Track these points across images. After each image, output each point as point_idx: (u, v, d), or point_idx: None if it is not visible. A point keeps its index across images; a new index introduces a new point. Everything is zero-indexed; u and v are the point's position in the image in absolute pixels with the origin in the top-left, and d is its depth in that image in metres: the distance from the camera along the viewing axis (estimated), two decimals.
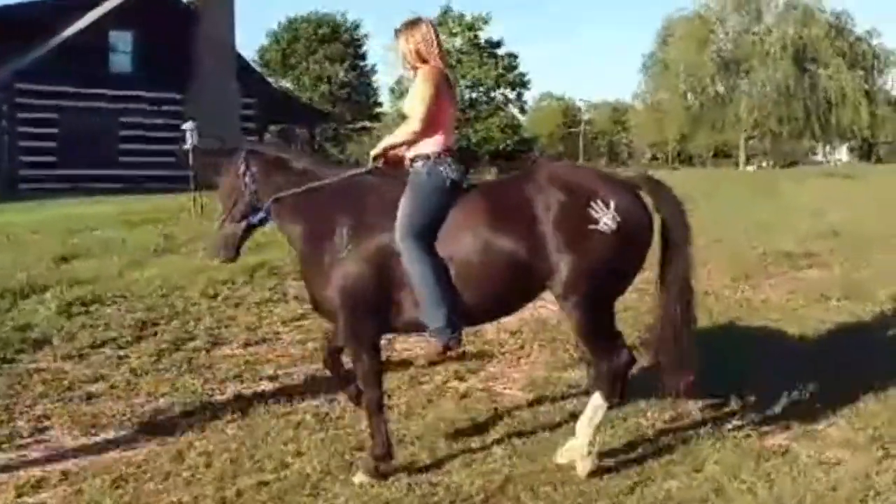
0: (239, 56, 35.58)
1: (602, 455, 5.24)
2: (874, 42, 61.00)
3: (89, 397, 6.65)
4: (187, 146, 16.78)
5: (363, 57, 67.83)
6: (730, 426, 5.74)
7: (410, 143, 5.17)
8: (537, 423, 5.92)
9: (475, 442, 5.60)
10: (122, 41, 31.78)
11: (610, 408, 5.20)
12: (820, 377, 6.47)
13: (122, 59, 31.80)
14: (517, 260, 4.88)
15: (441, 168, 5.07)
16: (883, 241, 13.98)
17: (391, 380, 6.97)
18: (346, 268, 4.98)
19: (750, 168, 59.61)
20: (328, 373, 5.75)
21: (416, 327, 5.15)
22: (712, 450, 5.34)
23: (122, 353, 7.71)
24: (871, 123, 59.81)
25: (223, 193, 5.44)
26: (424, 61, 5.20)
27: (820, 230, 14.85)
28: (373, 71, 68.83)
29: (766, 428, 5.59)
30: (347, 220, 5.05)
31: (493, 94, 63.12)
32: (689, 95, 63.06)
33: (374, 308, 5.03)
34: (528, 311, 7.66)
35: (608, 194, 4.89)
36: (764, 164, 65.94)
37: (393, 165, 5.29)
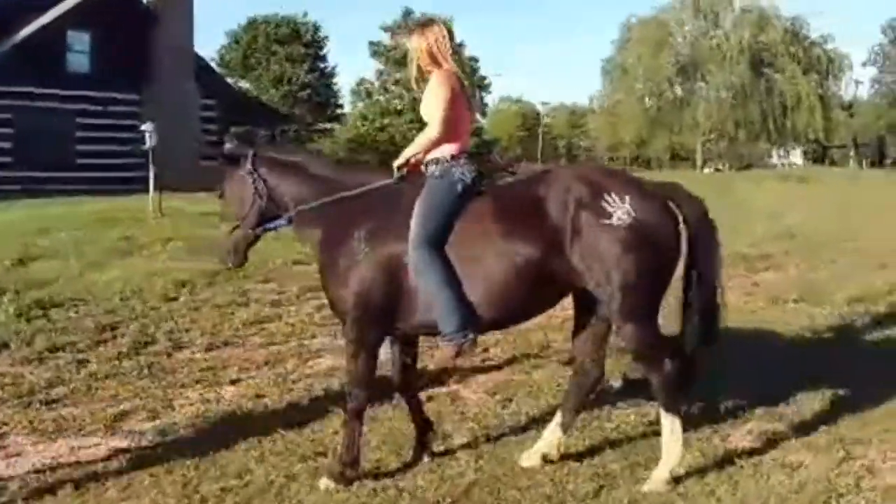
0: (198, 57, 35.31)
1: (567, 458, 5.29)
2: (828, 47, 61.90)
3: (48, 402, 6.55)
4: (146, 147, 16.64)
5: (324, 58, 67.52)
6: (693, 429, 5.80)
7: (430, 149, 5.12)
8: (502, 427, 5.94)
9: (440, 446, 5.60)
10: (79, 41, 31.31)
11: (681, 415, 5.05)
12: (780, 379, 6.56)
13: (79, 59, 31.34)
14: (534, 261, 4.82)
15: (455, 171, 5.04)
16: (838, 244, 14.24)
17: None
18: (362, 272, 4.97)
19: (707, 170, 60.21)
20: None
21: (426, 331, 5.13)
22: None
23: (81, 357, 7.62)
24: (825, 127, 60.67)
25: (233, 200, 5.40)
26: (436, 63, 5.13)
27: (776, 232, 15.08)
28: (333, 72, 68.58)
29: (729, 431, 5.66)
30: (365, 224, 5.03)
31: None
32: (647, 99, 63.58)
33: (385, 313, 5.02)
34: None
35: (622, 189, 4.81)
36: (720, 166, 66.63)
37: (417, 172, 5.23)
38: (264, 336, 8.45)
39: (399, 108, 58.87)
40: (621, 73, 63.45)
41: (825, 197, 23.51)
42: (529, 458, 5.21)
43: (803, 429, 5.76)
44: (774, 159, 71.68)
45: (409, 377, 5.56)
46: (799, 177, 36.10)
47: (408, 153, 5.21)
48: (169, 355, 7.79)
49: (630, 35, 62.70)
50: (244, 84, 61.09)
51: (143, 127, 17.21)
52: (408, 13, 61.90)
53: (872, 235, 15.95)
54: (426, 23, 5.23)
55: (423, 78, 5.19)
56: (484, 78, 63.62)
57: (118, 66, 29.98)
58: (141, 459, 5.47)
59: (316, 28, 67.05)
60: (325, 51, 67.67)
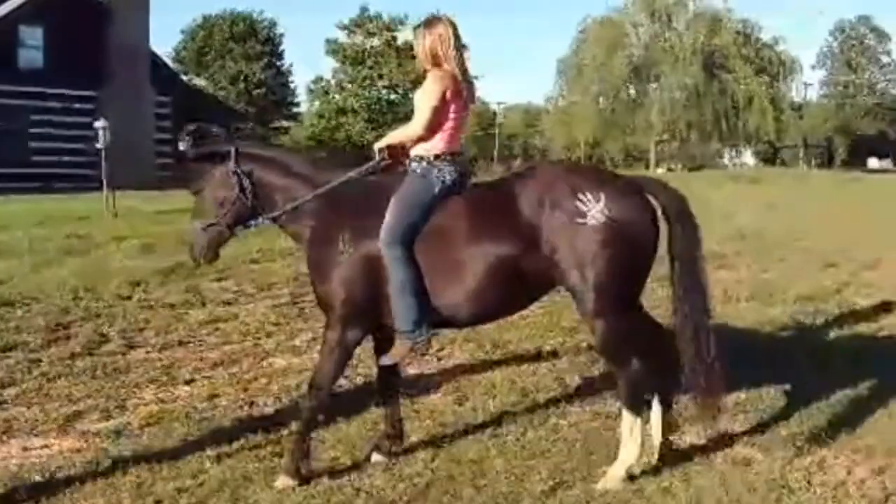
0: (153, 54, 34.95)
1: (523, 456, 5.34)
2: (779, 49, 62.88)
3: (0, 403, 6.46)
4: (100, 145, 16.46)
5: (280, 56, 67.20)
6: (649, 427, 5.86)
7: (412, 144, 5.15)
8: (459, 426, 5.95)
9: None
10: (31, 36, 30.87)
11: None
12: (733, 377, 6.65)
13: (32, 54, 30.89)
14: (507, 260, 4.86)
15: (436, 171, 5.06)
16: (788, 244, 14.47)
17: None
18: (344, 269, 5.00)
19: (660, 171, 60.81)
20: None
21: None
22: None
23: (33, 356, 7.51)
24: (776, 128, 61.63)
25: (212, 197, 5.32)
26: (436, 63, 5.13)
27: (728, 232, 15.26)
28: (290, 70, 68.27)
29: (684, 429, 5.72)
30: (348, 221, 5.07)
31: (410, 96, 63.15)
32: (602, 99, 64.06)
33: (368, 310, 5.06)
34: None
35: (597, 188, 4.83)
36: (672, 166, 67.35)
37: (397, 159, 5.27)
38: (219, 335, 8.40)
39: (355, 107, 58.71)
40: (576, 74, 63.85)
41: (775, 198, 23.86)
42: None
43: (757, 426, 5.84)
44: (726, 160, 72.65)
45: (391, 377, 5.62)
46: (750, 178, 36.65)
47: (389, 139, 5.27)
48: (122, 355, 7.71)
49: (586, 35, 63.15)
50: (199, 81, 60.57)
51: (97, 124, 17.01)
52: (364, 12, 61.78)
53: (821, 235, 16.25)
54: (432, 21, 5.21)
55: (424, 76, 5.22)
56: None
57: (72, 62, 29.57)
58: (94, 460, 5.41)
59: (272, 25, 66.67)
60: (281, 48, 67.33)
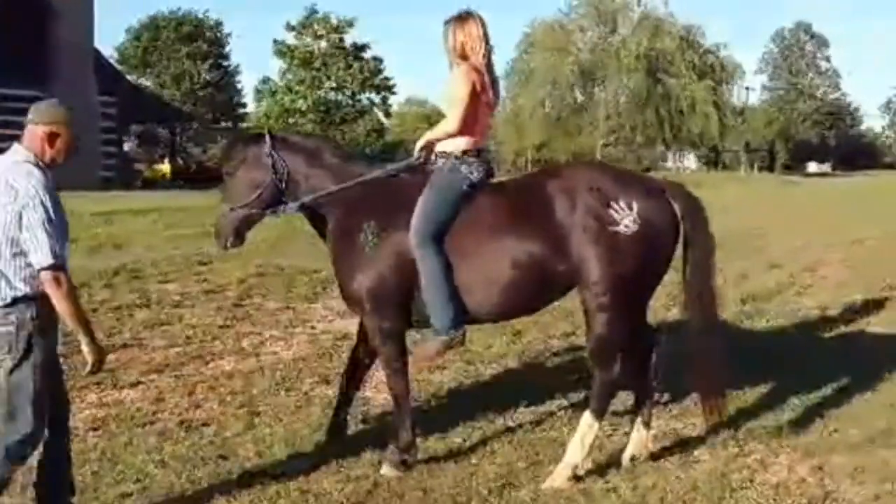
0: (98, 53, 34.44)
1: (471, 456, 5.37)
2: (722, 54, 63.79)
3: None
4: None
5: (226, 56, 66.62)
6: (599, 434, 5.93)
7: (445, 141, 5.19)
8: None
9: (344, 447, 5.58)
10: None
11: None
12: (676, 378, 6.74)
13: None
14: (535, 260, 4.92)
15: (463, 168, 5.09)
16: (730, 247, 14.68)
17: (258, 385, 6.92)
18: (371, 263, 5.07)
19: None
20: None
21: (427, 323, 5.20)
22: None
23: None
24: (719, 132, 62.50)
25: (244, 178, 5.28)
26: (464, 58, 5.14)
27: None
28: (237, 70, 67.70)
29: (629, 428, 5.79)
30: (375, 216, 5.11)
31: (358, 98, 62.93)
32: (548, 102, 64.42)
33: (398, 302, 5.11)
34: None
35: (630, 196, 4.90)
36: None
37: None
38: (165, 338, 8.30)
39: (302, 108, 58.31)
40: (524, 77, 64.14)
41: (717, 201, 24.19)
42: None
43: (699, 426, 5.91)
44: (670, 163, 73.52)
45: (360, 376, 5.78)
46: (693, 182, 37.14)
47: (427, 137, 5.30)
48: (66, 357, 7.52)
49: (533, 39, 63.47)
50: (145, 81, 59.78)
51: None
52: (312, 13, 61.41)
53: (765, 237, 16.55)
54: (463, 16, 5.22)
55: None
56: (389, 79, 63.56)
57: (15, 60, 28.93)
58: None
59: (218, 25, 66.05)
60: (227, 49, 66.76)
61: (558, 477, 5.00)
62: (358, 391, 5.87)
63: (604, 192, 4.93)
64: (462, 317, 5.05)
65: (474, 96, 5.10)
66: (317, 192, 5.27)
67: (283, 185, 5.27)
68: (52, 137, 4.16)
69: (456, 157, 5.12)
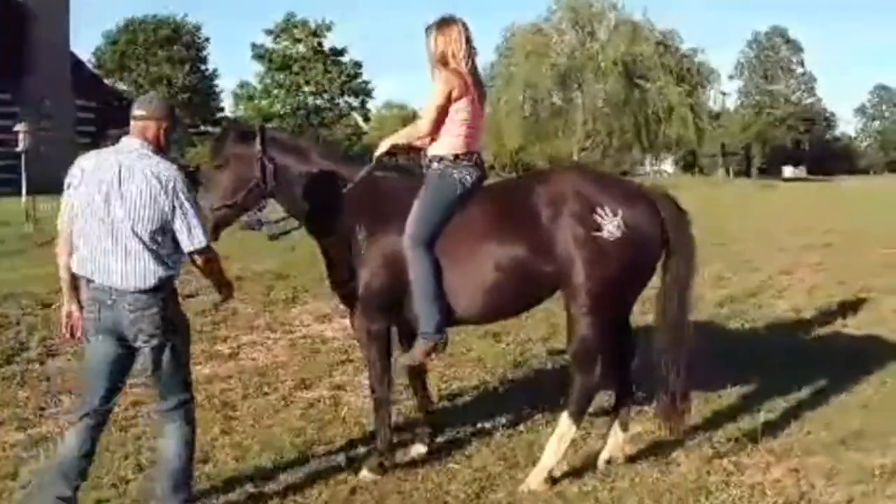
0: (74, 57, 34.22)
1: (447, 460, 5.39)
2: (698, 59, 64.09)
3: None
4: (19, 149, 16.09)
5: (204, 60, 66.32)
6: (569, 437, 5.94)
7: (429, 144, 5.21)
8: None
9: (322, 451, 5.60)
10: None
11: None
12: (652, 382, 6.78)
13: None
14: (521, 264, 4.96)
15: (455, 171, 5.11)
16: (709, 248, 14.76)
17: (236, 389, 6.91)
18: (363, 265, 5.11)
19: None
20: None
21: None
22: None
23: None
24: (695, 136, 62.74)
25: (229, 176, 5.22)
26: (446, 63, 5.15)
27: None
28: (215, 74, 67.42)
29: (605, 431, 5.82)
30: (368, 218, 5.15)
31: (337, 102, 62.88)
32: (527, 106, 64.47)
33: (387, 303, 5.16)
34: None
35: (615, 202, 4.94)
36: None
37: (404, 153, 5.39)
38: None
39: (281, 112, 58.21)
40: (503, 82, 64.19)
41: (694, 203, 24.31)
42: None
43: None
44: (647, 167, 73.79)
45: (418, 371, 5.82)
46: (671, 185, 37.30)
47: (389, 142, 5.31)
48: (42, 363, 7.54)
49: (512, 43, 63.54)
50: (122, 86, 59.38)
51: (17, 128, 16.60)
52: (290, 17, 61.35)
53: (743, 240, 16.67)
54: (445, 22, 5.23)
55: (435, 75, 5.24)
56: (367, 83, 63.56)
57: None
58: (12, 470, 5.28)
59: (197, 29, 65.77)
60: (205, 52, 66.46)
61: (534, 480, 5.02)
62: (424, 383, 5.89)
63: (589, 197, 4.97)
64: (447, 320, 5.08)
65: (450, 101, 5.11)
66: (307, 194, 5.28)
67: (268, 187, 5.25)
68: (166, 131, 4.52)
69: (449, 161, 5.15)
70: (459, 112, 5.14)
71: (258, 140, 5.21)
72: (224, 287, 4.77)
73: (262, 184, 5.22)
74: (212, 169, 5.39)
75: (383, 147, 5.31)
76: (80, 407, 4.55)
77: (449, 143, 5.17)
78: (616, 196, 5.02)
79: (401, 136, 5.34)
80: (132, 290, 4.26)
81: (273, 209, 5.48)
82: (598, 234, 4.88)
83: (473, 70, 5.24)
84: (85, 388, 4.61)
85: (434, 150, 5.20)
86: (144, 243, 4.25)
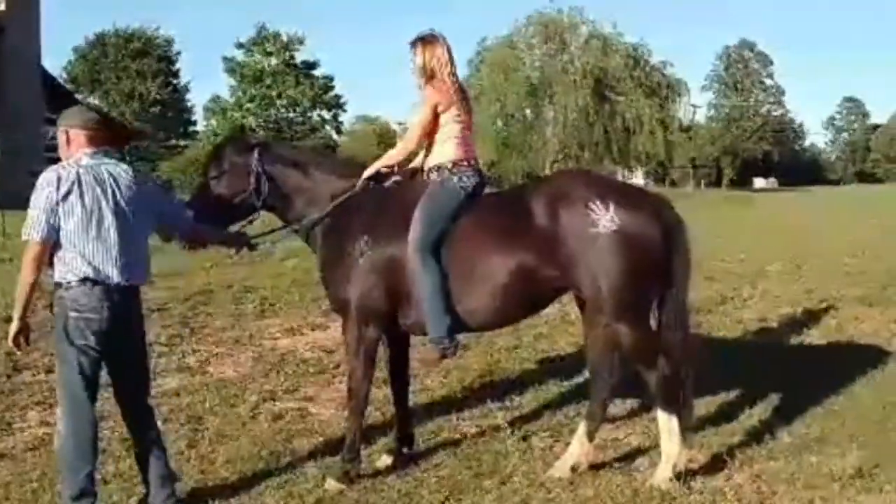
0: (44, 70, 34.00)
1: (414, 468, 5.43)
2: (668, 72, 64.54)
3: None
4: None
5: (176, 74, 66.11)
6: (536, 438, 5.99)
7: (407, 161, 5.32)
8: None
9: (289, 463, 5.60)
10: None
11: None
12: (621, 388, 6.83)
13: None
14: (526, 267, 5.00)
15: (455, 178, 5.18)
16: None
17: (205, 401, 6.89)
18: (361, 273, 5.14)
19: None
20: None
21: (421, 330, 5.25)
22: (520, 461, 5.56)
23: None
24: (666, 149, 63.14)
25: (222, 186, 5.36)
26: (430, 79, 5.24)
27: None
28: (186, 88, 67.21)
29: (569, 439, 5.87)
30: (366, 227, 5.20)
31: (309, 115, 62.86)
32: (499, 120, 64.66)
33: (383, 311, 5.20)
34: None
35: (606, 196, 4.96)
36: None
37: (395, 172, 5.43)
38: None
39: (253, 125, 58.12)
40: (475, 95, 64.35)
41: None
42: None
43: (639, 436, 6.04)
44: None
45: (401, 381, 5.87)
46: None
47: (378, 165, 5.40)
48: (8, 377, 7.48)
49: (483, 57, 63.75)
50: (93, 100, 59.07)
51: None
52: (262, 31, 61.33)
53: (708, 251, 16.76)
54: (427, 38, 5.33)
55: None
56: (340, 97, 63.60)
57: None
58: None
59: (168, 42, 65.56)
60: (177, 66, 66.25)
61: (660, 477, 5.13)
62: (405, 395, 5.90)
63: (581, 195, 5.02)
64: (456, 326, 5.13)
65: (435, 114, 5.23)
66: (305, 205, 5.42)
67: (259, 201, 5.37)
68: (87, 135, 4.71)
69: (448, 168, 5.23)
70: (448, 123, 5.26)
71: (255, 154, 5.36)
72: (229, 241, 5.38)
73: (255, 197, 5.33)
74: (207, 178, 5.48)
75: (371, 170, 5.40)
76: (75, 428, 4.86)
77: (444, 151, 5.27)
78: (609, 192, 5.06)
79: (390, 158, 5.43)
80: (138, 284, 4.75)
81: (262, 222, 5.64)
82: (594, 229, 4.92)
83: (457, 82, 5.36)
84: (74, 400, 4.85)
85: (431, 160, 5.31)
86: (144, 239, 4.71)
